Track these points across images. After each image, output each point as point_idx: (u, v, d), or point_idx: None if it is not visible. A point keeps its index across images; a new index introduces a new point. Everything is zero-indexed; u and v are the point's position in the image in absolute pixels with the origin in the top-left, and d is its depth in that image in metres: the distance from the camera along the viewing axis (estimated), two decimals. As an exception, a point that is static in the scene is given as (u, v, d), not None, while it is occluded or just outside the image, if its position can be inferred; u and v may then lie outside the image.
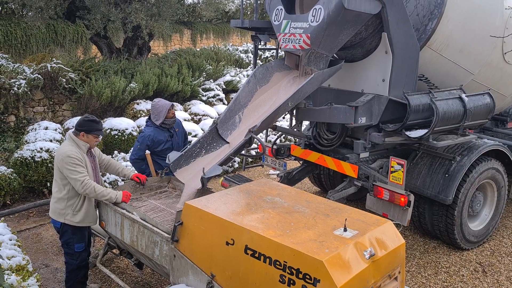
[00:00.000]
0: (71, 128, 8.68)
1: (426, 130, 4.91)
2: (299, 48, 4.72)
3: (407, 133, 5.03)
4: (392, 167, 4.79)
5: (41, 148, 7.19)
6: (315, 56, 4.72)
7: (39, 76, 9.68)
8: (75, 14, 12.03)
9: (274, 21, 5.06)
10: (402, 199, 4.69)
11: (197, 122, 10.34)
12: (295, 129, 5.81)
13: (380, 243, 2.97)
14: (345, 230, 2.94)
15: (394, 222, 3.52)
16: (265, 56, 17.45)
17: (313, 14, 4.53)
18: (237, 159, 8.59)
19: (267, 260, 2.84)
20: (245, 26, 5.90)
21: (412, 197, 4.73)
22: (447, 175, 5.28)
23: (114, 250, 4.90)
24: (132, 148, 5.68)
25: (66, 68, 10.23)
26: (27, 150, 7.16)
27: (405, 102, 4.90)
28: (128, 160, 7.66)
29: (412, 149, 5.75)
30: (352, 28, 4.60)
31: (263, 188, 3.78)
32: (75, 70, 10.53)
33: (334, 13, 4.35)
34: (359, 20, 4.55)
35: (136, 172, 4.85)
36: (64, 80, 10.02)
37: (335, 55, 5.27)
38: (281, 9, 4.98)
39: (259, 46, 6.75)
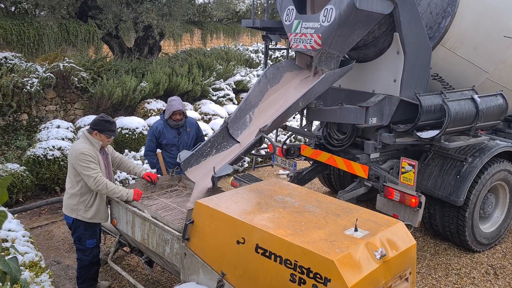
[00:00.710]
0: (83, 127, 8.78)
1: (437, 131, 4.88)
2: (310, 48, 4.72)
3: (419, 133, 5.00)
4: (403, 167, 4.77)
5: (53, 146, 7.27)
6: (326, 56, 4.72)
7: (52, 75, 9.78)
8: (87, 14, 12.13)
9: (285, 21, 5.06)
10: (413, 200, 4.67)
11: (207, 121, 10.37)
12: (305, 129, 5.81)
13: (391, 243, 2.96)
14: (356, 230, 2.93)
15: (404, 223, 3.50)
16: (275, 56, 17.44)
17: (325, 14, 4.53)
18: (246, 158, 8.61)
19: (278, 259, 2.85)
20: (256, 26, 5.91)
21: (423, 198, 4.71)
22: (458, 177, 5.25)
23: (125, 248, 4.95)
24: None
25: (78, 68, 10.32)
26: (39, 148, 7.24)
27: (416, 102, 4.88)
28: (138, 159, 7.72)
29: (423, 150, 5.72)
30: (363, 28, 4.59)
31: (273, 187, 3.78)
32: (87, 69, 10.62)
33: (346, 13, 4.34)
34: (370, 20, 4.54)
35: (147, 170, 4.88)
36: (76, 79, 10.11)
37: (346, 55, 5.26)
38: (292, 9, 4.98)
39: (270, 46, 6.75)
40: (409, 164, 4.71)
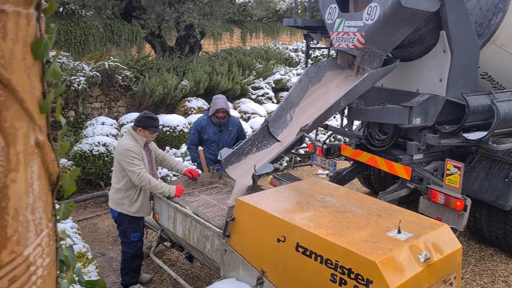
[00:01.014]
0: (126, 124, 9.03)
1: (485, 133, 4.72)
2: (353, 47, 4.67)
3: (465, 135, 4.85)
4: (448, 169, 4.64)
5: (98, 142, 7.52)
6: (369, 55, 4.65)
7: (97, 73, 10.11)
8: (131, 14, 12.46)
9: (327, 19, 5.03)
10: (458, 203, 4.54)
11: (246, 120, 10.43)
12: (346, 129, 5.75)
13: (436, 247, 2.89)
14: (399, 232, 2.88)
15: (449, 226, 3.41)
16: (314, 55, 17.32)
17: (368, 12, 4.46)
18: (285, 157, 8.59)
19: (319, 258, 2.84)
20: (297, 25, 5.91)
21: (468, 201, 4.56)
22: (507, 180, 5.04)
23: (165, 243, 5.06)
24: None
25: (122, 66, 10.62)
26: (85, 143, 7.51)
27: (463, 103, 4.73)
28: (179, 156, 7.87)
29: (469, 151, 5.53)
30: (408, 26, 4.49)
31: (314, 187, 3.77)
32: (130, 68, 10.92)
33: (391, 11, 4.26)
34: (416, 18, 4.44)
35: (188, 167, 4.98)
36: (120, 77, 10.41)
37: (389, 53, 5.16)
38: (335, 7, 4.94)
39: (311, 45, 6.72)
40: (455, 166, 4.57)
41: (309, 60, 10.58)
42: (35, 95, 0.75)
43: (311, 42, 6.50)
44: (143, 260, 4.94)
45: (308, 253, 2.91)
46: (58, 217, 0.89)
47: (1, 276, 0.67)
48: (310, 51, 17.06)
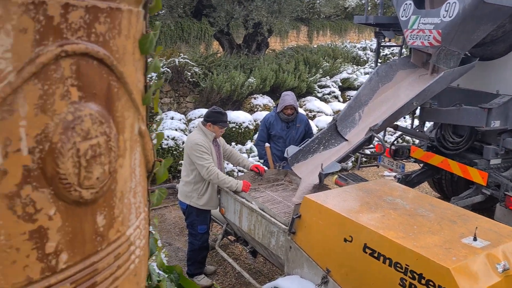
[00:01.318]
0: (193, 119, 9.31)
1: None
2: (428, 45, 4.50)
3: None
4: (530, 176, 4.34)
5: (167, 136, 7.82)
6: (446, 53, 4.46)
7: (168, 69, 10.50)
8: (202, 13, 12.81)
9: (402, 16, 4.87)
10: (540, 213, 4.24)
11: (312, 118, 10.36)
12: (417, 130, 5.55)
13: (516, 257, 2.72)
14: (474, 239, 2.75)
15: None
16: (383, 53, 16.84)
17: (446, 9, 4.27)
18: (351, 157, 8.44)
19: (387, 261, 2.77)
20: (369, 22, 5.78)
21: (552, 212, 4.25)
22: None
23: (229, 237, 5.17)
24: None
25: (191, 63, 10.95)
26: (155, 138, 7.84)
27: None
28: (244, 152, 7.99)
29: (553, 158, 5.14)
30: (490, 23, 4.25)
31: (383, 188, 3.68)
32: (199, 65, 11.22)
33: (471, 7, 4.05)
34: (499, 14, 4.19)
35: (254, 163, 5.05)
36: (189, 74, 10.74)
37: (467, 52, 4.91)
38: (410, 3, 4.78)
39: (382, 43, 6.55)
40: (538, 173, 4.27)
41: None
42: (140, 87, 0.81)
43: (382, 40, 6.34)
44: (208, 252, 5.08)
45: (376, 255, 2.85)
46: (152, 203, 0.95)
47: (109, 252, 0.73)
48: (380, 50, 16.65)
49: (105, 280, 0.72)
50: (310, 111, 10.83)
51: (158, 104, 0.87)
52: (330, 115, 10.24)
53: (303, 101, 11.41)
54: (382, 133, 7.27)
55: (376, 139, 4.43)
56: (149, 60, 0.84)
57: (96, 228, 0.70)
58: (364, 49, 18.16)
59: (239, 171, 7.39)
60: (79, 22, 0.62)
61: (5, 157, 0.56)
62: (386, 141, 7.42)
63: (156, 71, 0.88)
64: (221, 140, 4.74)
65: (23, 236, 0.60)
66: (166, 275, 1.22)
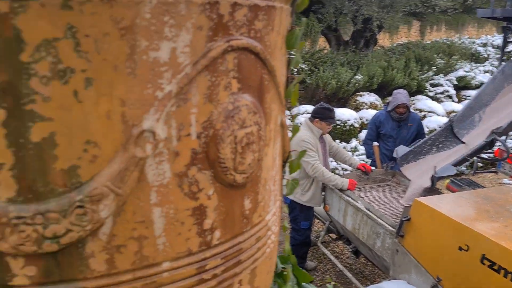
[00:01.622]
0: (297, 115, 9.37)
1: None
2: None
3: None
4: None
5: (273, 131, 7.97)
6: None
7: (275, 66, 10.69)
8: (310, 9, 12.80)
9: (536, 9, 4.41)
10: None
11: (422, 118, 9.83)
12: (548, 135, 5.00)
13: None
14: None
15: None
16: (507, 50, 15.35)
17: None
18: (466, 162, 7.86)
19: (509, 275, 2.55)
20: (495, 16, 5.32)
21: None
22: None
23: (331, 234, 5.14)
24: None
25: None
26: (292, 130, 8.04)
27: None
28: (349, 150, 7.87)
29: None
30: None
31: (505, 196, 3.39)
32: (306, 61, 11.26)
33: None
34: None
35: (361, 161, 4.95)
36: (296, 70, 10.82)
37: None
38: (547, -5, 4.31)
39: (509, 39, 5.99)
40: None
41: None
42: (283, 81, 0.85)
43: (510, 35, 5.80)
44: (310, 248, 5.10)
45: (496, 267, 2.64)
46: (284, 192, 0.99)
47: (252, 234, 0.79)
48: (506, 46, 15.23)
49: (247, 259, 0.78)
50: (420, 110, 10.30)
51: (296, 99, 0.91)
52: (442, 116, 9.64)
53: (412, 100, 10.88)
54: (503, 137, 6.67)
55: (498, 143, 4.08)
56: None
57: (243, 210, 0.75)
58: (484, 45, 16.73)
59: (343, 169, 7.29)
60: (243, 19, 0.67)
61: (178, 140, 0.63)
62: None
63: (297, 66, 0.91)
64: (327, 137, 4.71)
65: (187, 211, 0.67)
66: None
